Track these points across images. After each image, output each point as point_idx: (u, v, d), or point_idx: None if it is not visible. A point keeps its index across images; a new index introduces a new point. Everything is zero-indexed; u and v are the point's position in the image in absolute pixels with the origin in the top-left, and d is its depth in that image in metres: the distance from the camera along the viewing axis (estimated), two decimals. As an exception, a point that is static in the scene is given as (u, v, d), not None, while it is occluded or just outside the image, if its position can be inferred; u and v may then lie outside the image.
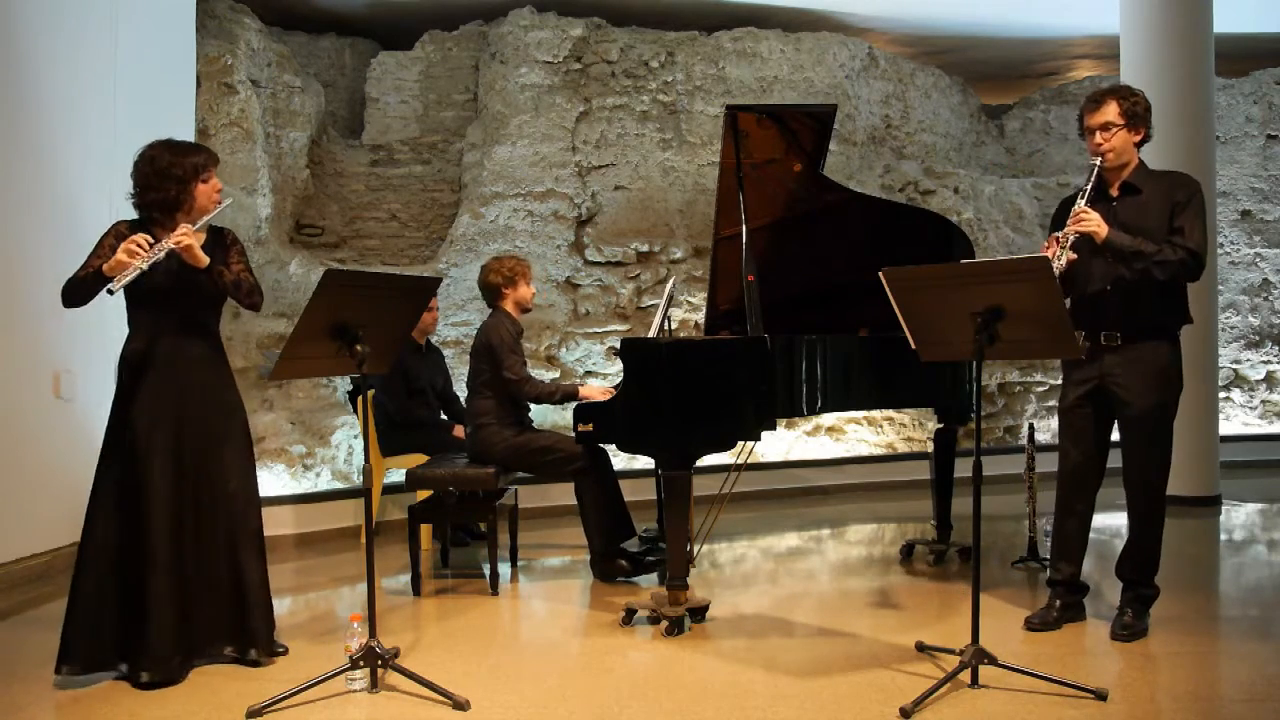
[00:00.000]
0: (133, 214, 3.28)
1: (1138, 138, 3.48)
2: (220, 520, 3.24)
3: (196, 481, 3.21)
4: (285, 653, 3.41)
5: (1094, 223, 3.32)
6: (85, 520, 3.21)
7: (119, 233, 3.17)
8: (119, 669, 3.16)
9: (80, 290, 3.11)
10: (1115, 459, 3.60)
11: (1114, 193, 3.51)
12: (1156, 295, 3.44)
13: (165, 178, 3.17)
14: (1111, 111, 3.43)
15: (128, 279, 2.97)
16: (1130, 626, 3.50)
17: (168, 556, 3.13)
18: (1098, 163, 3.43)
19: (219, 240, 3.32)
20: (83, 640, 3.13)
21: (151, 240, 3.05)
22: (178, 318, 3.21)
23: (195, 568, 3.20)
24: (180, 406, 3.20)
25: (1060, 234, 3.35)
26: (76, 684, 3.14)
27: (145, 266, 3.00)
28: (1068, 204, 3.56)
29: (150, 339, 3.20)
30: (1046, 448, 5.33)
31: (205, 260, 3.13)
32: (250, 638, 3.27)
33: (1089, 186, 3.39)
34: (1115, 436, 3.62)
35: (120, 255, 3.00)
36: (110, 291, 2.99)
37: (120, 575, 3.14)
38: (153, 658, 3.10)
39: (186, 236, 3.07)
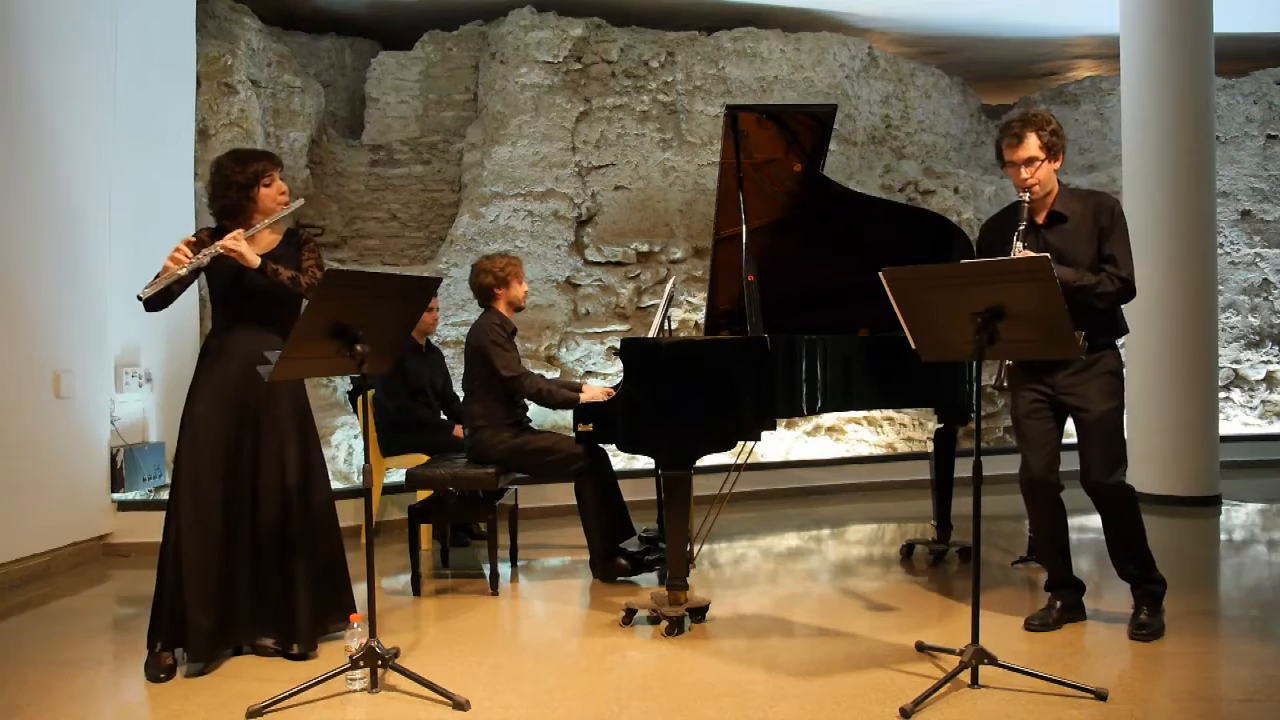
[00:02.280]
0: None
1: (1057, 165, 3.56)
2: (274, 513, 3.33)
3: (255, 473, 3.32)
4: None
5: None
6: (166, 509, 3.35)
7: (199, 239, 3.35)
8: (157, 647, 3.23)
9: (156, 295, 3.25)
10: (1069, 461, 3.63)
11: (1040, 220, 3.58)
12: (1098, 313, 3.52)
13: (229, 186, 3.37)
14: (1033, 146, 3.50)
15: (159, 287, 3.17)
16: (1147, 625, 3.52)
17: (206, 549, 3.23)
18: (1026, 197, 3.50)
19: (291, 240, 3.49)
20: (161, 624, 3.25)
21: (197, 245, 3.25)
22: (249, 313, 3.35)
23: (243, 559, 3.30)
24: (243, 400, 3.31)
25: None
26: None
27: (184, 272, 3.17)
28: (995, 223, 3.69)
29: (224, 332, 3.37)
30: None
31: (256, 261, 3.25)
32: (293, 632, 3.34)
33: (1022, 225, 3.46)
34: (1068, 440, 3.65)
35: (166, 260, 3.18)
36: (139, 297, 3.18)
37: (166, 564, 3.26)
38: (191, 645, 3.20)
39: (234, 241, 3.22)
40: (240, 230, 3.27)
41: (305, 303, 3.15)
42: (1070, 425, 3.62)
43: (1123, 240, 3.50)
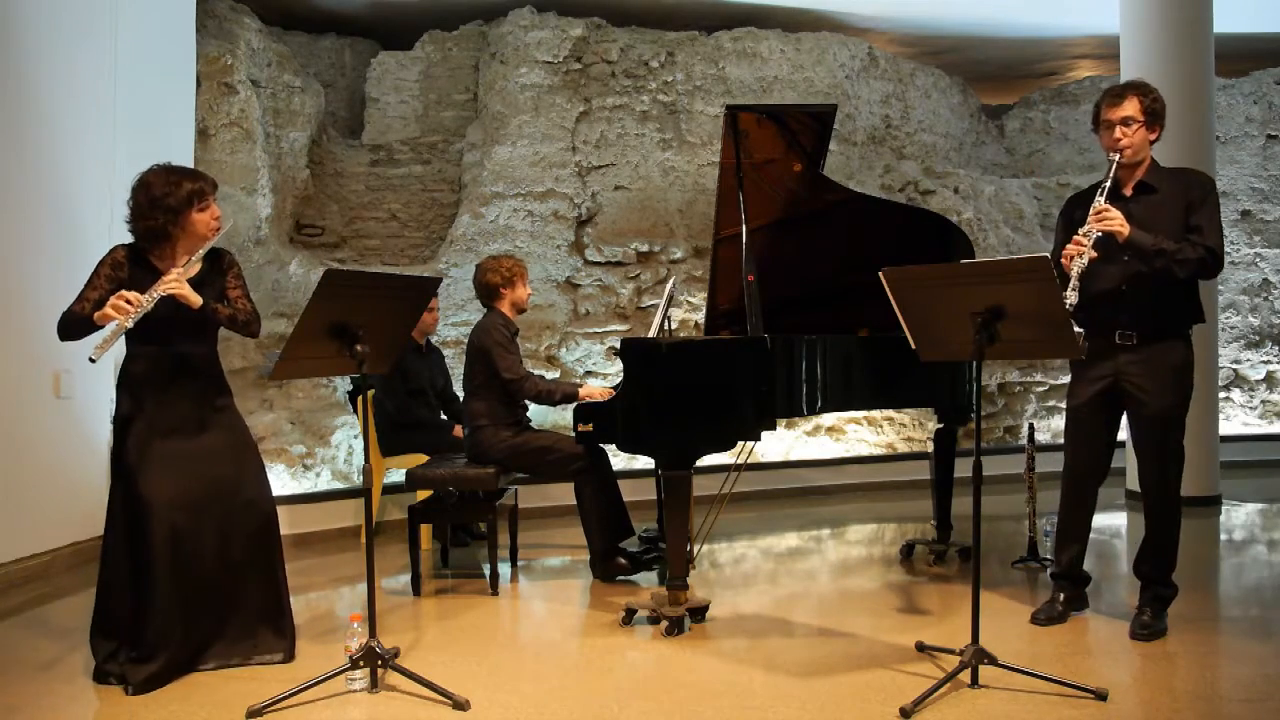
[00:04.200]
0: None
1: (1154, 135, 3.47)
2: (233, 529, 3.25)
3: (205, 495, 3.20)
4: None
5: (1117, 221, 3.29)
6: (104, 530, 3.28)
7: (115, 261, 3.16)
8: (118, 671, 3.16)
9: (73, 329, 3.09)
10: (1118, 458, 3.61)
11: (1128, 191, 3.49)
12: (1172, 294, 3.43)
13: (156, 207, 3.12)
14: (1133, 106, 3.41)
15: (110, 346, 2.94)
16: (1150, 626, 3.52)
17: (169, 568, 3.13)
18: (1116, 158, 3.40)
19: (216, 264, 3.30)
20: (98, 638, 3.21)
21: (139, 296, 2.99)
22: (175, 343, 3.21)
23: (200, 579, 3.19)
24: (182, 428, 3.20)
25: (1083, 231, 3.31)
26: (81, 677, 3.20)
27: (129, 324, 2.96)
28: (1079, 200, 3.55)
29: (148, 363, 3.20)
30: (1046, 448, 5.34)
31: (199, 301, 3.08)
32: (254, 645, 3.29)
33: (1108, 182, 3.36)
34: (1121, 435, 3.62)
35: (109, 309, 2.96)
36: (91, 359, 2.93)
37: (131, 587, 3.18)
38: (150, 664, 3.10)
39: (176, 283, 3.03)
40: (178, 270, 3.06)
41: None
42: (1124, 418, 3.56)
43: (1213, 214, 3.40)
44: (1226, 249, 8.49)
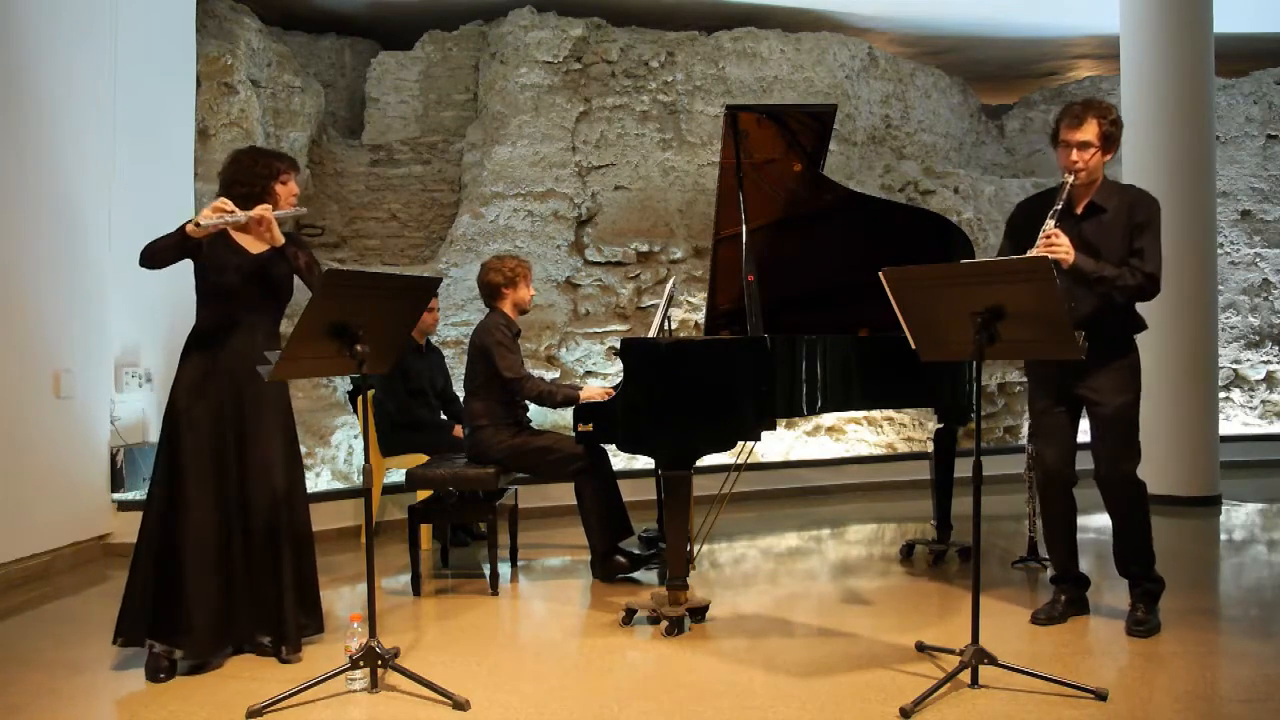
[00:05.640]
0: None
1: (1109, 158, 3.53)
2: (262, 515, 3.32)
3: (241, 474, 3.30)
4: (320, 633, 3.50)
5: (1063, 249, 3.35)
6: (145, 504, 3.36)
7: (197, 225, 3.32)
8: (153, 647, 3.21)
9: (163, 253, 3.23)
10: (1083, 459, 3.62)
11: (1079, 210, 3.55)
12: (1118, 305, 3.51)
13: (252, 175, 3.41)
14: (1091, 131, 3.46)
15: (213, 226, 3.17)
16: (1144, 622, 3.53)
17: (205, 547, 3.22)
18: (1070, 179, 3.46)
19: (290, 241, 3.48)
20: (128, 619, 3.26)
21: (233, 207, 3.23)
22: (242, 313, 3.34)
23: (237, 558, 3.29)
24: (231, 400, 3.30)
25: (1030, 253, 3.37)
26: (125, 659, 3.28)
27: (228, 221, 3.20)
28: (1029, 207, 3.63)
29: (214, 330, 3.34)
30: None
31: (282, 239, 3.31)
32: (282, 634, 3.33)
33: (1059, 205, 3.42)
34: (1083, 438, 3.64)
35: (206, 210, 3.19)
36: (198, 224, 3.14)
37: (161, 561, 3.23)
38: (193, 641, 3.20)
39: (268, 212, 3.27)
40: (269, 205, 3.31)
41: (296, 303, 3.13)
42: (1085, 421, 3.61)
43: (1154, 237, 3.45)
44: (1226, 249, 8.60)
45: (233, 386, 3.30)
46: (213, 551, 3.24)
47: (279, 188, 3.45)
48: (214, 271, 3.31)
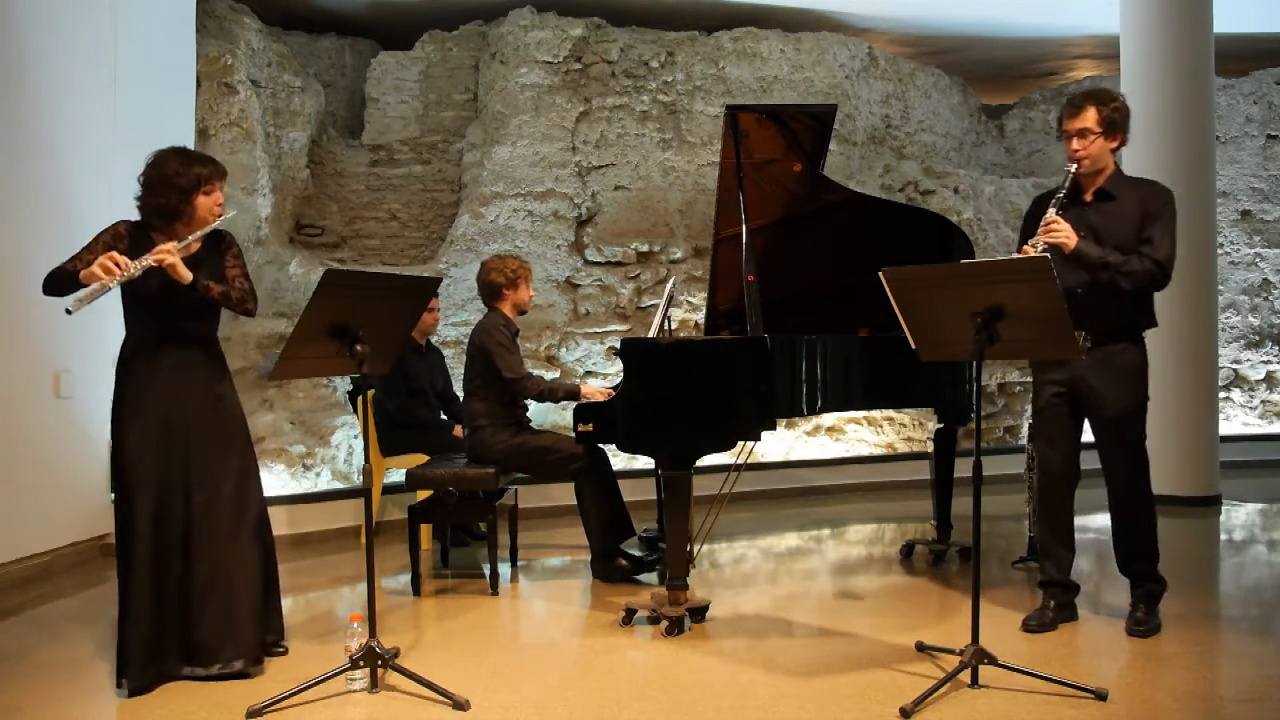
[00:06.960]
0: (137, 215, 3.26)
1: (1114, 144, 3.51)
2: (215, 527, 3.16)
3: (187, 488, 3.15)
4: (285, 653, 3.41)
5: (1063, 234, 3.35)
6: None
7: (116, 233, 3.15)
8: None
9: (58, 284, 3.07)
10: (1089, 459, 3.62)
11: (1088, 198, 3.53)
12: (1127, 299, 3.48)
13: (168, 186, 3.16)
14: (1090, 118, 3.45)
15: (88, 302, 2.91)
16: (1144, 622, 3.53)
17: (148, 564, 3.08)
18: (1072, 168, 3.46)
19: (216, 245, 3.28)
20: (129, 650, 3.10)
21: (128, 261, 2.98)
22: (173, 322, 3.17)
23: (182, 575, 3.14)
24: (172, 412, 3.14)
25: (1031, 242, 3.39)
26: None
27: (114, 286, 2.94)
28: (1043, 201, 3.59)
29: (145, 343, 3.17)
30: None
31: (189, 277, 3.07)
32: (239, 648, 3.17)
33: (1062, 193, 3.42)
34: (1087, 437, 3.63)
35: (95, 269, 2.94)
36: (68, 311, 2.91)
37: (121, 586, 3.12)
38: (131, 666, 3.06)
39: (168, 254, 3.02)
40: (173, 243, 3.06)
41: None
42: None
43: (1165, 226, 3.44)
44: (1226, 249, 8.60)
45: (170, 404, 3.12)
46: (149, 583, 3.07)
47: (201, 199, 3.19)
48: (139, 285, 3.06)
